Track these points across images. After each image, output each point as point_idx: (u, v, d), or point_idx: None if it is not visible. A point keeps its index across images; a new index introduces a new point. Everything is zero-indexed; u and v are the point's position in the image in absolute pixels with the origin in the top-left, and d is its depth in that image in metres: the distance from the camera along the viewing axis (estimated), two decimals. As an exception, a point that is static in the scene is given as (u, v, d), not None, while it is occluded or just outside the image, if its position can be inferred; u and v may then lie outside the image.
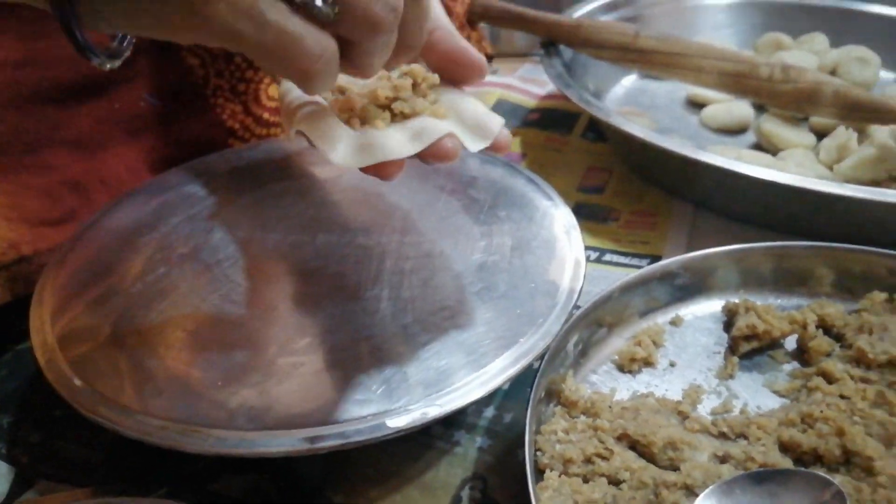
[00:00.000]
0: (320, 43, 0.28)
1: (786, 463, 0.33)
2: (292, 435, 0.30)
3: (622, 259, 0.50)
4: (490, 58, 0.64)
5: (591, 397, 0.37)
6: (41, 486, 0.36)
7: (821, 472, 0.32)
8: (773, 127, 0.60)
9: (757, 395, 0.38)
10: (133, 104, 0.51)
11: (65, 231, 0.46)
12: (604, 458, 0.34)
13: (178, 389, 0.33)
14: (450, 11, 0.62)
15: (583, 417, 0.36)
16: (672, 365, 0.40)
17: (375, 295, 0.37)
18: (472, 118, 0.34)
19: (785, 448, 0.34)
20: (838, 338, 0.41)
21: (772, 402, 0.38)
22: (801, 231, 0.48)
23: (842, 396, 0.36)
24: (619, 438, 0.35)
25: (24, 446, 0.38)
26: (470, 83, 0.37)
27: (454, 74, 0.36)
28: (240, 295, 0.38)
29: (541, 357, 0.35)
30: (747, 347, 0.40)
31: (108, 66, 0.29)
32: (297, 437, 0.30)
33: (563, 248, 0.40)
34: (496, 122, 0.34)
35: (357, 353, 0.34)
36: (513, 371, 0.33)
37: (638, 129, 0.52)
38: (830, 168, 0.55)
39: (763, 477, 0.31)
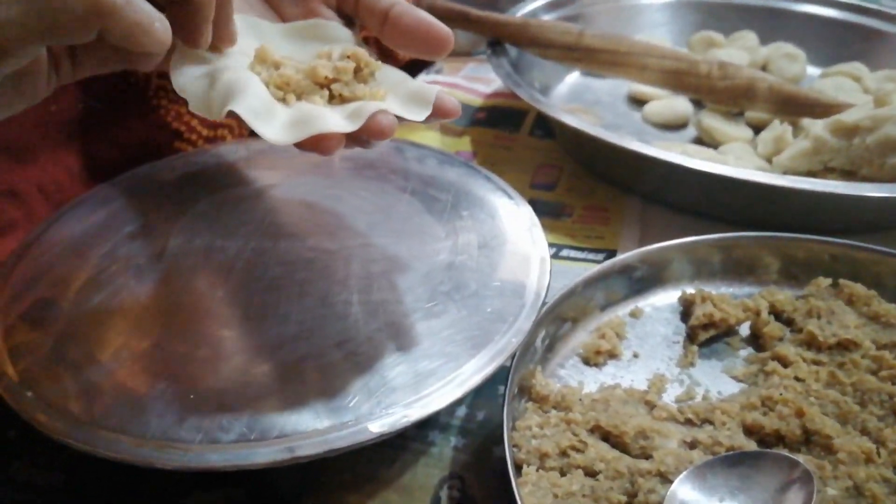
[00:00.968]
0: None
1: (751, 445, 0.35)
2: (272, 445, 0.30)
3: (578, 254, 0.51)
4: (435, 57, 0.64)
5: (562, 391, 0.37)
6: (-1, 512, 0.35)
7: (784, 452, 0.34)
8: (713, 122, 0.62)
9: (717, 381, 0.40)
10: (70, 107, 0.48)
11: (5, 243, 0.44)
12: (578, 450, 0.34)
13: (150, 404, 0.32)
14: (396, 11, 0.62)
15: (554, 412, 0.37)
16: (635, 356, 0.41)
17: (345, 300, 0.37)
18: (406, 91, 0.34)
19: (749, 431, 0.36)
20: (788, 322, 0.43)
21: (731, 388, 0.40)
22: (745, 221, 0.50)
23: (797, 379, 0.38)
24: (592, 430, 0.36)
25: (-22, 472, 0.36)
26: (438, 56, 0.36)
27: (420, 49, 0.35)
28: (204, 305, 0.37)
29: (512, 355, 0.35)
30: (705, 336, 0.42)
31: None
32: (278, 447, 0.30)
33: (527, 246, 0.41)
34: (432, 90, 0.33)
35: (331, 359, 0.34)
36: (489, 370, 0.33)
37: (588, 126, 0.53)
38: (769, 160, 0.58)
39: (734, 460, 0.32)
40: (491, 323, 0.36)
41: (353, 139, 0.33)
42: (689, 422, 0.37)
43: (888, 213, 0.50)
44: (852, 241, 0.44)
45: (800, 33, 0.75)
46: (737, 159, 0.57)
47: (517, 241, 0.42)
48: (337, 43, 0.37)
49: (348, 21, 0.39)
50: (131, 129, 0.51)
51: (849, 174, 0.54)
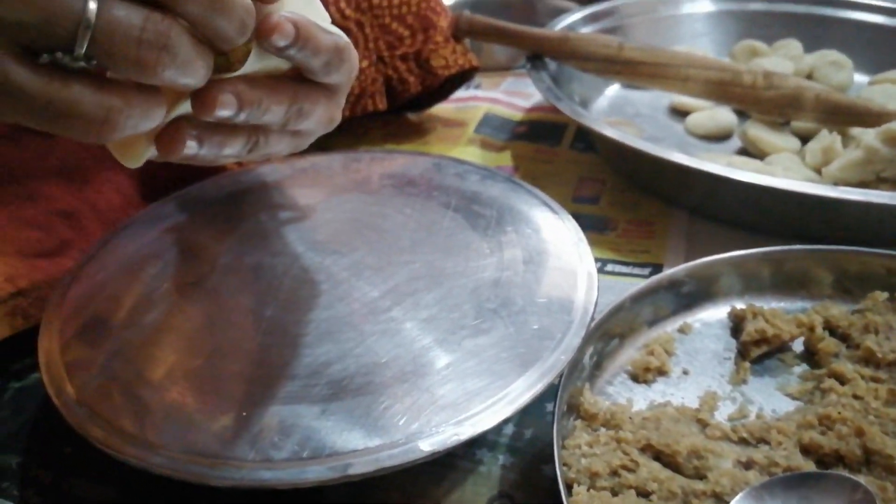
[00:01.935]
0: (100, 103, 0.26)
1: (808, 466, 0.34)
2: (324, 463, 0.30)
3: (624, 269, 0.50)
4: (476, 70, 0.64)
5: (611, 409, 0.37)
6: (56, 528, 0.35)
7: (844, 473, 0.33)
8: (759, 132, 0.61)
9: (771, 398, 0.39)
10: None
11: (60, 263, 0.45)
12: (630, 469, 0.34)
13: (202, 422, 0.32)
14: (434, 26, 0.62)
15: (604, 430, 0.36)
16: (685, 373, 0.41)
17: (392, 317, 0.37)
18: None
19: (806, 451, 0.35)
20: (844, 338, 0.42)
21: (786, 405, 0.39)
22: (795, 233, 0.49)
23: (855, 396, 0.37)
24: (643, 449, 0.35)
25: (36, 487, 0.37)
26: None
27: None
28: (254, 323, 0.37)
29: (560, 372, 0.35)
30: (757, 352, 0.41)
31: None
32: (330, 465, 0.30)
33: (574, 261, 0.41)
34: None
35: (380, 377, 0.34)
36: (538, 388, 0.33)
37: (630, 139, 0.53)
38: (817, 171, 0.57)
39: (792, 481, 0.31)
40: (539, 340, 0.36)
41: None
42: (743, 441, 0.36)
43: (945, 223, 0.49)
44: (909, 254, 0.43)
45: (845, 40, 0.73)
46: (785, 170, 0.56)
47: (563, 255, 0.41)
48: None
49: None
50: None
51: (902, 184, 0.53)
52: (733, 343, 0.42)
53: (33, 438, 0.39)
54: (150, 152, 0.32)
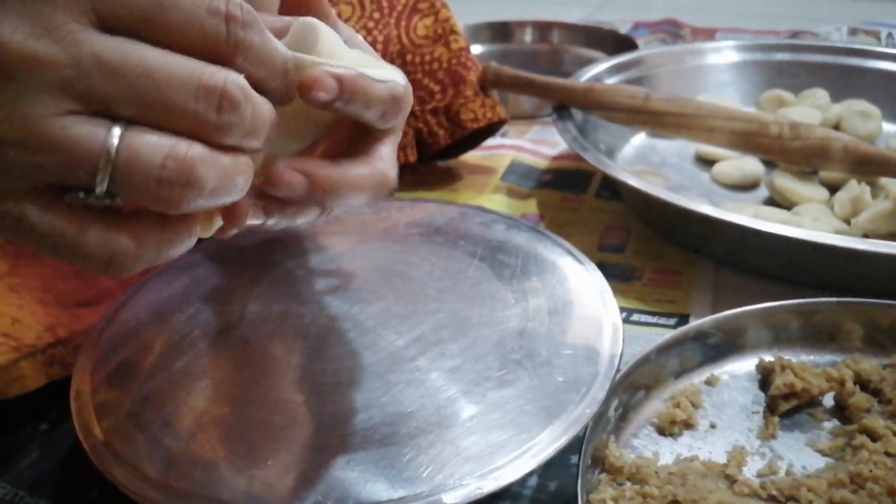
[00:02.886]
0: (105, 245, 0.24)
1: (840, 525, 0.33)
2: (347, 514, 0.30)
3: (650, 318, 0.50)
4: (504, 122, 0.65)
5: (636, 463, 0.36)
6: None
7: (878, 535, 0.32)
8: (786, 182, 0.61)
9: (801, 454, 0.38)
10: None
11: (100, 311, 0.46)
12: (656, 526, 0.33)
13: (226, 470, 0.32)
14: (464, 80, 0.64)
15: (629, 484, 0.36)
16: (713, 426, 0.40)
17: (417, 366, 0.37)
18: None
19: (838, 510, 0.34)
20: (875, 393, 0.41)
21: (816, 462, 0.38)
22: (824, 285, 0.49)
23: (887, 454, 0.36)
24: (670, 505, 0.35)
25: (64, 532, 0.37)
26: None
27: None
28: (281, 371, 0.37)
29: (585, 425, 0.35)
30: (786, 406, 0.40)
31: None
32: (353, 516, 0.30)
33: (599, 311, 0.41)
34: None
35: (405, 428, 0.34)
36: (562, 441, 0.33)
37: (656, 188, 0.53)
38: (847, 221, 0.56)
39: (824, 543, 0.31)
40: (564, 392, 0.36)
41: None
42: (772, 498, 0.35)
43: (979, 276, 0.48)
44: (942, 308, 0.42)
45: (872, 90, 0.73)
46: (813, 221, 0.55)
47: (588, 306, 0.41)
48: None
49: None
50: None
51: (934, 236, 0.52)
52: (762, 396, 0.42)
53: (62, 481, 0.40)
54: (219, 222, 0.29)
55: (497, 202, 0.64)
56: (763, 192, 0.64)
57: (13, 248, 0.44)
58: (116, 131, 0.23)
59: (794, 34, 1.15)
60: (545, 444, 0.33)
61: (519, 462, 0.32)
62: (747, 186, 0.65)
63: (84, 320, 0.44)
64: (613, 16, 1.36)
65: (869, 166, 0.57)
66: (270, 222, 0.31)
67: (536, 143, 0.75)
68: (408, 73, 0.62)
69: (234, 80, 0.24)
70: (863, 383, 0.41)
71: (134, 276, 0.48)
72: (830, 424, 0.40)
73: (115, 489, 0.33)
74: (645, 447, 0.39)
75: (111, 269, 0.25)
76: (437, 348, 0.38)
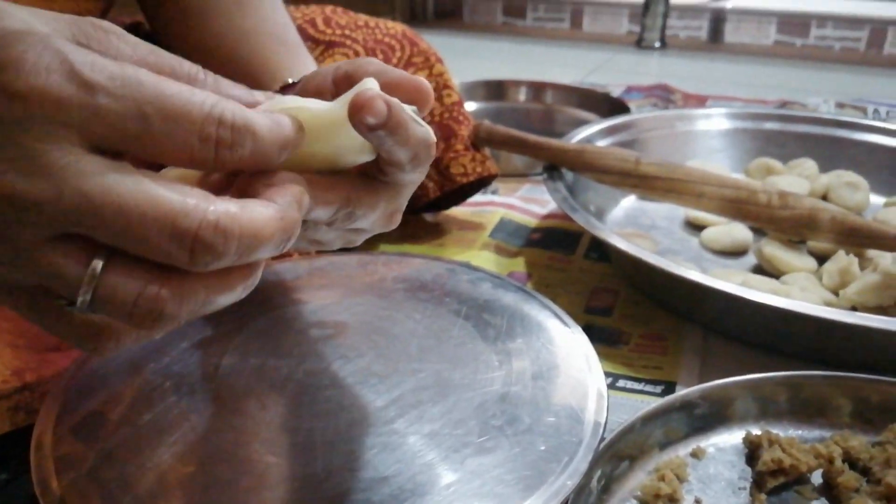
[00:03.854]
0: (86, 336, 0.27)
1: None
2: (312, 587, 0.28)
3: (636, 385, 0.49)
4: (494, 177, 0.65)
5: (619, 539, 0.35)
6: None
7: None
8: (775, 251, 0.61)
9: (788, 535, 0.37)
10: None
11: (72, 356, 0.45)
12: None
13: (189, 534, 0.31)
14: (455, 134, 0.64)
15: (611, 561, 0.34)
16: (698, 502, 0.39)
17: (395, 429, 0.36)
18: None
19: None
20: (864, 471, 0.40)
21: (805, 544, 0.37)
22: (814, 357, 0.48)
23: (878, 538, 0.35)
24: (652, 586, 0.33)
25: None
26: (423, 108, 0.32)
27: (408, 97, 0.32)
28: (252, 428, 0.36)
29: (566, 498, 0.33)
30: (774, 483, 0.39)
31: None
32: (318, 590, 0.28)
33: (584, 377, 0.40)
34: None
35: (379, 495, 0.32)
36: (542, 514, 0.32)
37: (645, 253, 0.53)
38: (835, 292, 0.56)
39: None
40: (545, 462, 0.34)
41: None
42: (759, 582, 0.34)
43: (968, 354, 0.48)
44: (931, 386, 0.42)
45: (860, 161, 0.74)
46: (801, 290, 0.55)
47: (573, 370, 0.40)
48: None
49: None
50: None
51: (922, 311, 0.52)
52: (748, 471, 0.41)
53: (18, 537, 0.38)
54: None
55: (485, 259, 0.64)
56: (752, 259, 0.64)
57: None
58: (97, 265, 0.25)
59: (783, 104, 1.17)
60: (524, 517, 0.31)
61: (496, 536, 0.31)
62: (736, 253, 0.65)
63: (54, 365, 0.42)
64: (607, 79, 1.39)
65: (856, 238, 0.57)
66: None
67: (527, 202, 0.75)
68: (399, 127, 0.62)
69: (209, 223, 0.24)
70: (851, 461, 0.40)
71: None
72: (818, 503, 0.39)
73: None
74: (628, 521, 0.38)
75: (97, 352, 0.27)
76: (416, 410, 0.37)
